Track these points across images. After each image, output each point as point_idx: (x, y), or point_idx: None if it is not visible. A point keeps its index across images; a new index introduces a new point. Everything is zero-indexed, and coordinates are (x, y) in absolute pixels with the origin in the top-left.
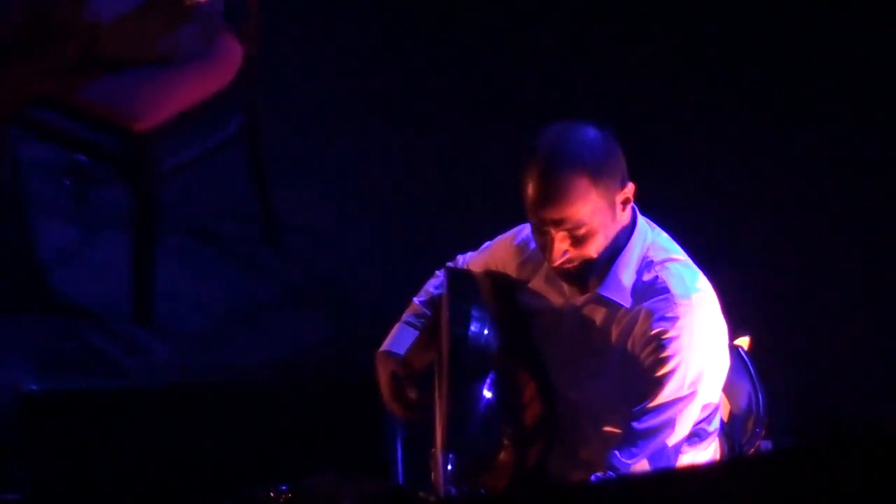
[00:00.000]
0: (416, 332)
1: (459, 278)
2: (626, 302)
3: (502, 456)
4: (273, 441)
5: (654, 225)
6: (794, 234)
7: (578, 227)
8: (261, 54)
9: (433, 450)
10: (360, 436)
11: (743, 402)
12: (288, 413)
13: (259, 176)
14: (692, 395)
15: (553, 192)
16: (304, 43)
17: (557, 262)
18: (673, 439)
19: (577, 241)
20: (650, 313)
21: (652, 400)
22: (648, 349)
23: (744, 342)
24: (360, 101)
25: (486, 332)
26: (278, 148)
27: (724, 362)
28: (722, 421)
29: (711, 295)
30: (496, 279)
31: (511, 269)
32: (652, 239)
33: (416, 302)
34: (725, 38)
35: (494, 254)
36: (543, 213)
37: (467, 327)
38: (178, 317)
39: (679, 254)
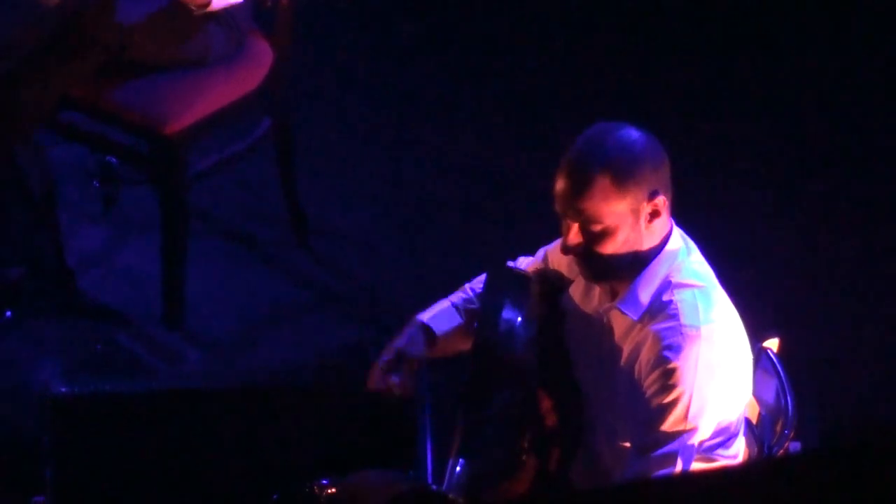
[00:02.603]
0: (458, 318)
1: (502, 277)
2: (636, 316)
3: (523, 461)
4: (301, 445)
5: (693, 247)
6: (825, 236)
7: (594, 222)
8: (290, 56)
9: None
10: (389, 438)
11: (772, 403)
12: (317, 416)
13: (288, 178)
14: (693, 429)
15: (574, 184)
16: (334, 44)
17: (564, 251)
18: (678, 468)
19: (592, 238)
20: (657, 339)
21: (654, 429)
22: (653, 376)
23: (773, 344)
24: (391, 103)
25: (515, 334)
26: (308, 150)
27: (737, 394)
28: (750, 422)
29: (726, 326)
30: (547, 279)
31: (563, 269)
32: (681, 261)
33: (468, 287)
34: (762, 40)
35: (550, 255)
36: (563, 201)
37: (495, 330)
38: (208, 320)
39: (703, 280)
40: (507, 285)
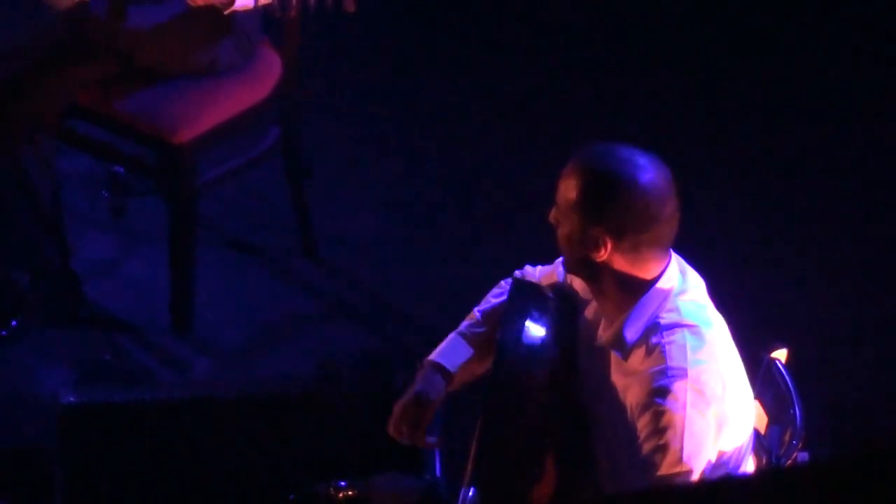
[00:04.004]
0: (471, 349)
1: (524, 293)
2: (622, 356)
3: (539, 488)
4: (310, 453)
5: (693, 282)
6: (833, 247)
7: (557, 209)
8: (299, 66)
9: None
10: (396, 446)
11: (780, 413)
12: (326, 426)
13: (297, 187)
14: (689, 471)
15: (566, 167)
16: (343, 54)
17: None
18: None
19: (556, 219)
20: (645, 382)
21: (650, 473)
22: (643, 419)
23: (781, 355)
24: (399, 112)
25: (536, 356)
26: (316, 159)
27: (734, 430)
28: (758, 432)
29: (717, 366)
30: (564, 295)
31: (578, 288)
32: (673, 299)
33: (476, 312)
34: (764, 48)
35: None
36: None
37: (517, 352)
38: (216, 329)
39: (695, 319)
40: (529, 302)
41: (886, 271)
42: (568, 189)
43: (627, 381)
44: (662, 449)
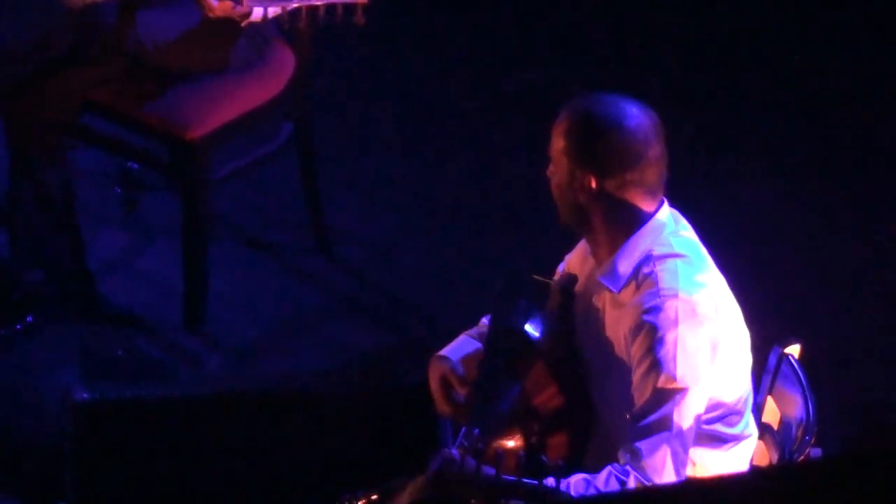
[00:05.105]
0: (476, 343)
1: (520, 282)
2: (616, 288)
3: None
4: (322, 450)
5: (684, 224)
6: (848, 242)
7: (551, 162)
8: (312, 63)
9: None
10: (411, 444)
11: (793, 409)
12: (339, 422)
13: (310, 184)
14: (684, 391)
15: (557, 118)
16: (357, 51)
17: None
18: (675, 439)
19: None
20: (637, 305)
21: (646, 391)
22: (637, 341)
23: (795, 350)
24: (413, 109)
25: (528, 326)
26: (330, 156)
27: (728, 362)
28: (771, 428)
29: (708, 291)
30: (564, 284)
31: (578, 261)
32: (667, 234)
33: (483, 320)
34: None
35: (568, 259)
36: None
37: (508, 322)
38: (229, 325)
39: (687, 251)
40: (524, 288)
41: None
42: (558, 136)
43: (620, 312)
44: (655, 366)
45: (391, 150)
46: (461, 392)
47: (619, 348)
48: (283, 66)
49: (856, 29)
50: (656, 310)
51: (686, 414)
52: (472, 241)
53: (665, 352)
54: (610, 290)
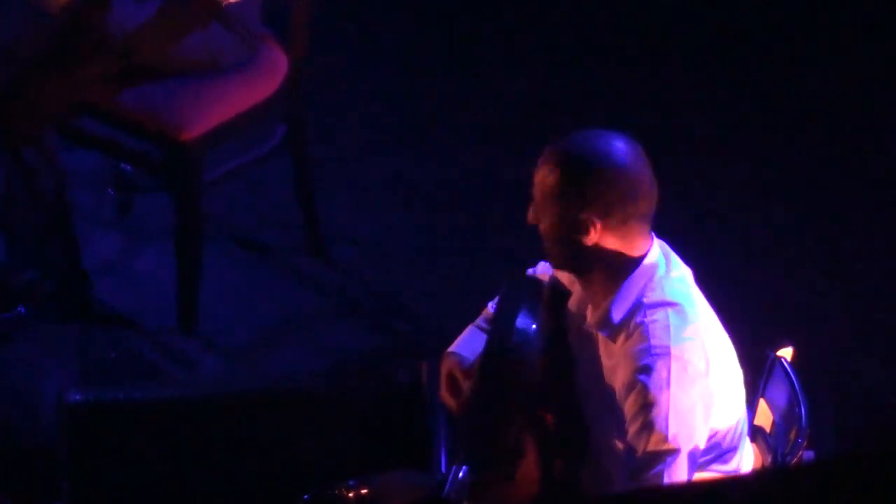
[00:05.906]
0: (483, 336)
1: (518, 284)
2: (609, 336)
3: (524, 465)
4: (317, 451)
5: (675, 261)
6: (840, 244)
7: (535, 205)
8: (306, 63)
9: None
10: (403, 443)
11: (785, 412)
12: (333, 423)
13: (304, 185)
14: (676, 452)
15: (539, 160)
16: (350, 51)
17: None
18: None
19: (535, 216)
20: (630, 361)
21: (639, 450)
22: (630, 398)
23: (787, 353)
24: (407, 109)
25: (528, 344)
26: (324, 157)
27: (722, 410)
28: (763, 431)
29: (701, 343)
30: (555, 287)
31: (564, 281)
32: (659, 278)
33: (490, 306)
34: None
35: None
36: None
37: (509, 339)
38: (223, 327)
39: (679, 298)
40: (523, 292)
41: (894, 269)
42: (546, 180)
43: (614, 362)
44: (648, 427)
45: (386, 151)
46: (465, 386)
47: (615, 398)
48: (277, 66)
49: (856, 29)
50: (648, 369)
51: (678, 474)
52: (466, 241)
53: (657, 413)
54: (605, 337)
